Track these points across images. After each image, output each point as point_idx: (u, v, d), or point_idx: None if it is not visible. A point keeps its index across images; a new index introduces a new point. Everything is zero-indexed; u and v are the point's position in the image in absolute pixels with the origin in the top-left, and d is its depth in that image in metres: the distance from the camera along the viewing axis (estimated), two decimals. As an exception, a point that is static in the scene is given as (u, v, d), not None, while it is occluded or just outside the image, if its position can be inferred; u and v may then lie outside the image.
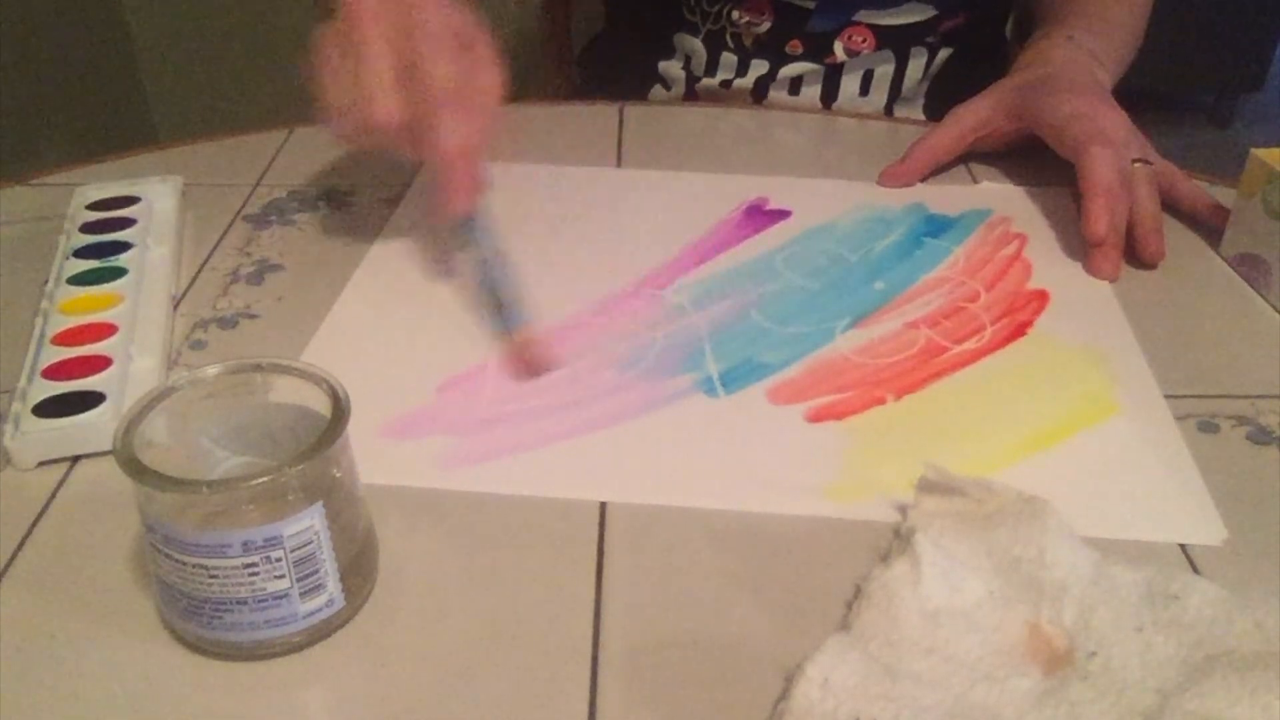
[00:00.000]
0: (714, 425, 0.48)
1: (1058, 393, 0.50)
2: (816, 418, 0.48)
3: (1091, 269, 0.59)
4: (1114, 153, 0.60)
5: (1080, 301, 0.56)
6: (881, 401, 0.49)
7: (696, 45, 0.85)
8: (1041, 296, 0.57)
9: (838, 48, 0.82)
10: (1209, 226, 0.63)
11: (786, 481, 0.44)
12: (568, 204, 0.65)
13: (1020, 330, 0.54)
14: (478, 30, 0.54)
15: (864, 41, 0.82)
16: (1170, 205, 0.64)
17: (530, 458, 0.46)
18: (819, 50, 0.83)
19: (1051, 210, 0.65)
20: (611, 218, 0.63)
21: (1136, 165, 0.61)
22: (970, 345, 0.53)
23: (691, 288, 0.57)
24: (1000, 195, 0.67)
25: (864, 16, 0.81)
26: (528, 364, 0.51)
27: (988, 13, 0.87)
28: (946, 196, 0.66)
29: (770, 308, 0.55)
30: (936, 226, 0.63)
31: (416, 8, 0.51)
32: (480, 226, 0.55)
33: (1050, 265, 0.59)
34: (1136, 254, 0.60)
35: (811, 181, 0.68)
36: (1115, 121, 0.63)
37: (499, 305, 0.53)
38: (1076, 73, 0.67)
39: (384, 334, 0.54)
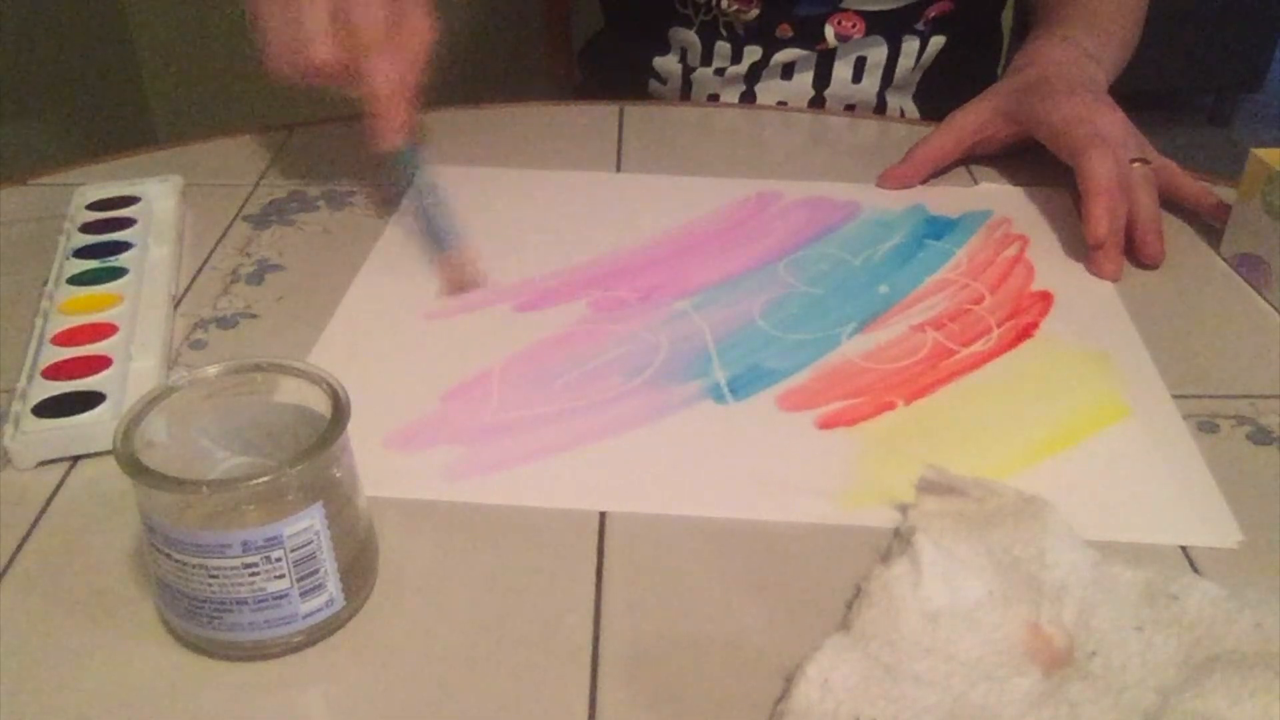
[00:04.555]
0: (725, 432, 0.47)
1: (1068, 396, 0.50)
2: (828, 424, 0.48)
3: (1094, 270, 0.59)
4: (1112, 154, 0.60)
5: (1084, 303, 0.56)
6: (892, 407, 0.49)
7: (691, 37, 0.85)
8: (1045, 298, 0.57)
9: (828, 32, 0.82)
10: (1211, 223, 0.63)
11: (800, 489, 0.44)
12: (567, 209, 0.65)
13: (1027, 332, 0.54)
14: None
15: (854, 27, 0.82)
16: (1171, 203, 0.64)
17: (539, 467, 0.45)
18: (809, 35, 0.83)
19: (1052, 211, 0.65)
20: (611, 223, 0.63)
21: (1135, 165, 0.61)
22: (978, 348, 0.53)
23: (694, 294, 0.57)
24: (1000, 196, 0.67)
25: (850, 3, 0.82)
26: (456, 281, 0.57)
27: (976, 1, 0.87)
28: (947, 197, 0.66)
29: (774, 314, 0.55)
30: (938, 228, 0.63)
31: None
32: (412, 160, 0.60)
33: (1052, 266, 0.59)
34: (1136, 255, 0.60)
35: (811, 184, 0.68)
36: (1113, 122, 0.63)
37: (431, 227, 0.59)
38: (1073, 74, 0.67)
39: (387, 341, 0.53)
